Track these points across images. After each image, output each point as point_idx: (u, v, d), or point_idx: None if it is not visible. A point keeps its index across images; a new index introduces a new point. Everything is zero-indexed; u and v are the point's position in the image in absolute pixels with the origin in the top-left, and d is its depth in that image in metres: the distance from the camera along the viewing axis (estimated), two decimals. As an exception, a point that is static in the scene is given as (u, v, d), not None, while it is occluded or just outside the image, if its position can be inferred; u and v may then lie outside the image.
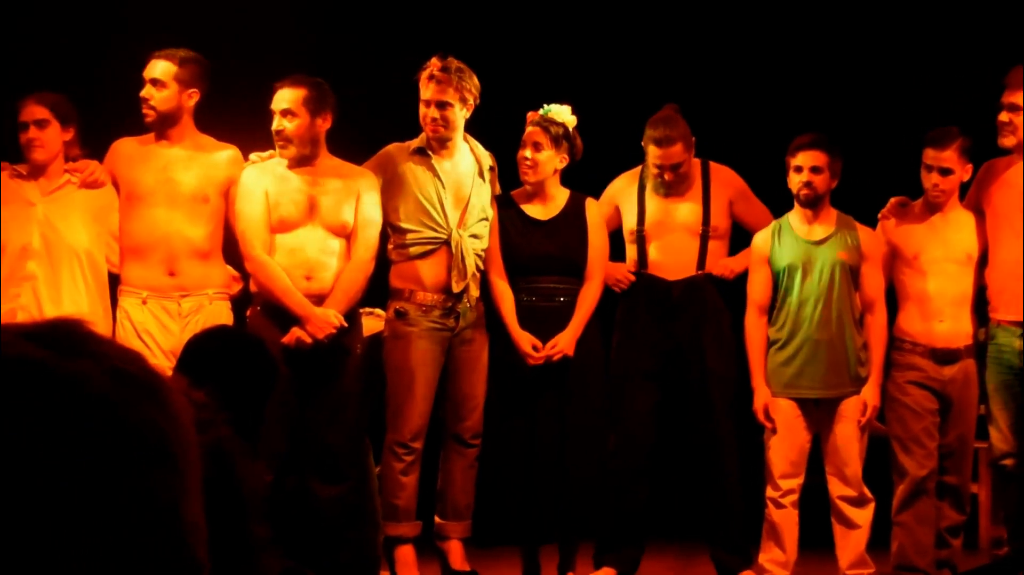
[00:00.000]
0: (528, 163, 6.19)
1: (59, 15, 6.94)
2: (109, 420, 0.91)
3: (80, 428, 0.90)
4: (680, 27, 7.62)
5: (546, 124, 6.16)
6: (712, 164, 6.45)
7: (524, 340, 6.14)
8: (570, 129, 6.19)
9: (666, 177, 6.28)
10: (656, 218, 6.37)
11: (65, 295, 5.82)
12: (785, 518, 6.21)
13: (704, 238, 6.36)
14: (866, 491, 6.21)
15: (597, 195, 6.46)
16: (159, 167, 5.98)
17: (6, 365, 0.91)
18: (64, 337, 0.95)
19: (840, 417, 6.19)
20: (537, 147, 6.18)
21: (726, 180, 6.45)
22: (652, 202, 6.38)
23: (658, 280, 6.35)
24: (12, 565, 0.87)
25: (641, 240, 6.37)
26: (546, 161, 6.19)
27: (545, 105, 6.21)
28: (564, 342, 6.15)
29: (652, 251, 6.38)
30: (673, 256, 6.37)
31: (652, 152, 6.28)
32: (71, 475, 0.89)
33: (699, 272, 6.35)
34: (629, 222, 6.42)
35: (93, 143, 6.08)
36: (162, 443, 0.94)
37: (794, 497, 6.22)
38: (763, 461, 6.28)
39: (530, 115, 6.24)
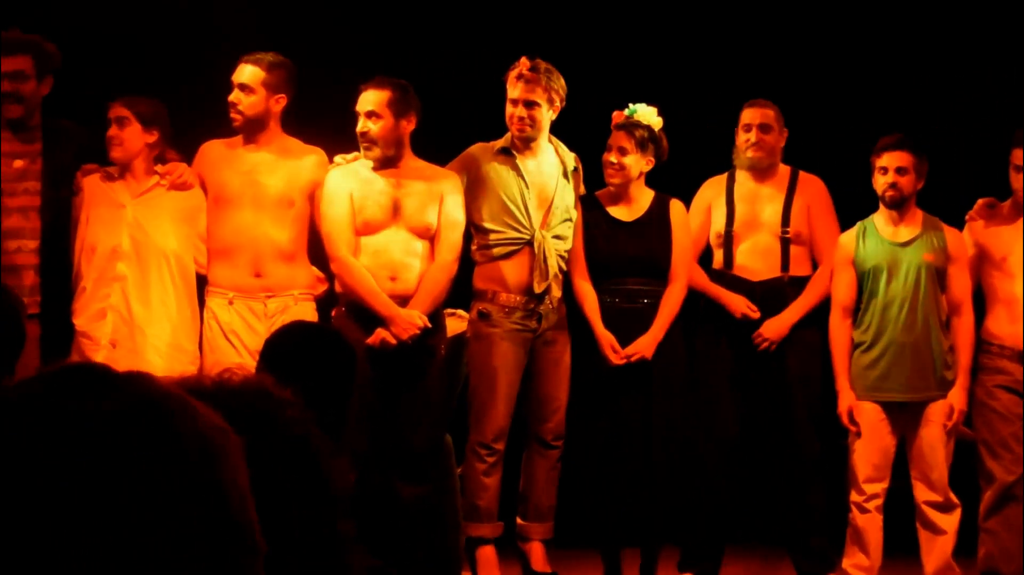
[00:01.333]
0: (614, 167, 6.19)
1: (154, 20, 6.99)
2: (130, 450, 0.98)
3: (102, 461, 0.97)
4: (766, 27, 7.59)
5: (631, 127, 6.16)
6: (801, 172, 6.47)
7: (605, 340, 6.14)
8: (656, 131, 6.18)
9: (753, 138, 6.30)
10: (743, 219, 6.39)
11: (153, 295, 5.88)
12: (869, 523, 6.18)
13: (786, 242, 6.35)
14: (952, 496, 6.16)
15: (683, 196, 6.45)
16: (245, 170, 6.03)
17: (31, 410, 0.98)
18: (80, 379, 1.01)
19: (926, 421, 6.17)
20: (623, 151, 6.18)
21: (812, 188, 6.46)
22: (740, 203, 6.40)
23: (742, 281, 6.34)
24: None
25: (728, 241, 6.38)
26: (632, 164, 6.19)
27: (631, 105, 6.21)
28: (644, 345, 6.15)
29: (739, 252, 6.39)
30: (758, 258, 6.38)
31: (744, 115, 6.37)
32: (116, 503, 0.96)
33: (783, 274, 6.34)
34: (717, 223, 6.43)
35: (186, 145, 6.13)
36: (183, 458, 1.00)
37: (878, 502, 6.19)
38: (847, 465, 6.25)
39: (616, 115, 6.23)
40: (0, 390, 1.01)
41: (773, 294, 6.33)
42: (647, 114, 6.19)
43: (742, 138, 6.38)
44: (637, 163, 6.20)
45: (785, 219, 6.37)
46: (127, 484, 0.96)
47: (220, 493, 1.00)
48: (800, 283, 6.34)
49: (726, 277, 6.38)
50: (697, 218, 6.45)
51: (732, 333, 6.31)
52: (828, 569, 6.28)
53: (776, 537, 6.56)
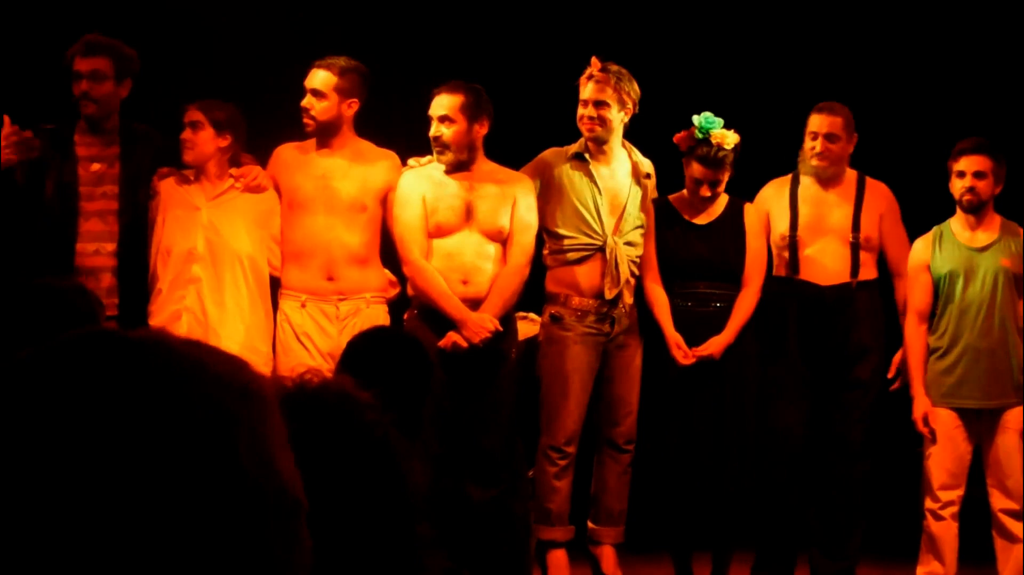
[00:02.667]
0: (706, 196, 6.24)
1: (233, 24, 7.06)
2: (155, 409, 0.97)
3: (130, 422, 0.96)
4: (836, 32, 7.55)
5: (721, 160, 6.15)
6: (868, 178, 6.44)
7: (674, 342, 6.16)
8: (733, 148, 6.17)
9: (820, 147, 6.27)
10: (808, 222, 6.36)
11: (228, 297, 5.91)
12: (944, 530, 6.16)
13: (855, 247, 6.33)
14: (1031, 504, 6.12)
15: (748, 197, 6.46)
16: (318, 175, 6.06)
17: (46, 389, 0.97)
18: (96, 347, 1.01)
19: (1003, 428, 6.13)
20: (714, 185, 6.22)
21: (880, 194, 6.44)
22: (805, 206, 6.37)
23: (810, 286, 6.31)
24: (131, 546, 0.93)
25: (794, 245, 6.35)
26: (722, 189, 6.27)
27: (698, 120, 6.14)
28: (715, 345, 6.16)
29: (804, 258, 6.35)
30: (826, 263, 6.35)
31: (812, 121, 6.33)
32: (156, 470, 0.95)
33: (852, 280, 6.31)
34: (780, 226, 6.40)
35: (262, 148, 6.18)
36: (211, 411, 0.98)
37: (954, 509, 6.16)
38: (922, 472, 6.23)
39: (678, 139, 6.19)
40: (16, 357, 0.99)
41: (842, 300, 6.30)
42: (723, 136, 6.14)
43: (808, 144, 6.35)
44: (723, 184, 6.26)
45: (855, 224, 6.35)
46: (137, 452, 0.95)
47: (233, 459, 0.98)
48: (867, 287, 6.31)
49: (792, 283, 6.34)
50: (763, 212, 6.45)
51: (799, 337, 6.29)
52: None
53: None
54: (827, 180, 6.37)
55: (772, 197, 6.47)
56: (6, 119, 5.88)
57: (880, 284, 6.41)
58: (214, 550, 0.96)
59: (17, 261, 5.86)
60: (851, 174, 6.43)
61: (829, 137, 6.31)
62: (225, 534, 0.97)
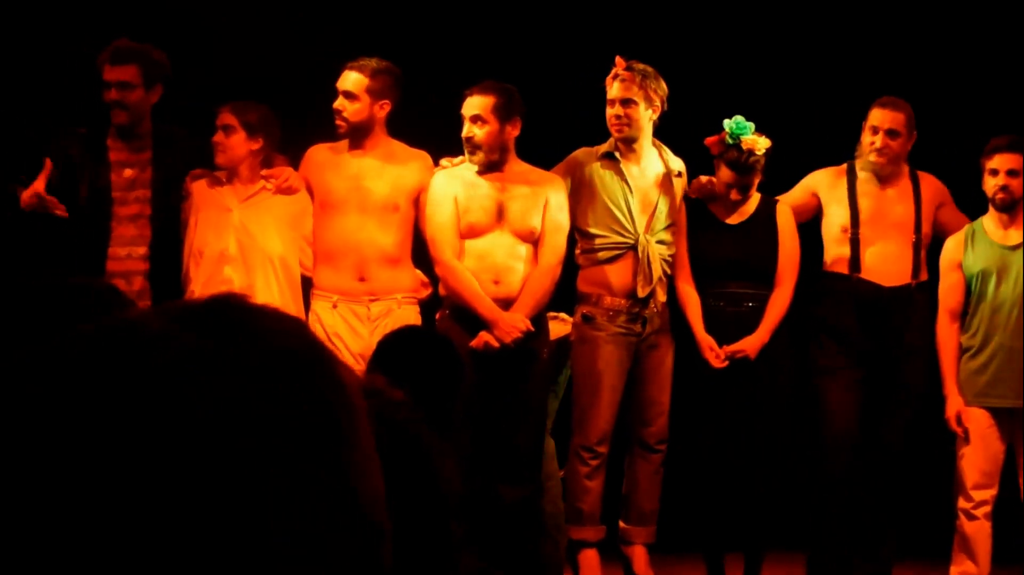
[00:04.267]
0: (737, 199, 6.24)
1: (265, 27, 7.09)
2: (271, 404, 0.89)
3: (241, 410, 0.88)
4: (866, 29, 7.54)
5: (751, 165, 6.14)
6: (919, 172, 6.43)
7: (705, 344, 6.17)
8: (764, 153, 6.17)
9: (880, 143, 6.25)
10: (870, 218, 6.35)
11: (259, 299, 5.84)
12: (978, 530, 6.16)
13: (917, 245, 6.34)
14: (1063, 504, 6.11)
15: (775, 190, 6.46)
16: (351, 175, 6.09)
17: (162, 354, 0.89)
18: (220, 317, 0.93)
19: (1036, 428, 6.09)
20: (746, 188, 6.21)
21: (934, 187, 6.45)
22: (865, 199, 6.37)
23: (872, 285, 6.31)
24: (193, 534, 0.86)
25: (855, 243, 6.34)
26: (753, 191, 6.27)
27: (730, 124, 6.13)
28: (749, 345, 6.16)
29: (867, 255, 6.34)
30: (889, 263, 6.34)
31: (873, 115, 6.31)
32: (236, 455, 0.87)
33: (912, 280, 6.31)
34: (839, 219, 6.38)
35: (294, 148, 6.22)
36: (325, 417, 0.92)
37: (987, 508, 6.16)
38: (955, 471, 6.22)
39: (710, 143, 6.18)
40: (132, 321, 0.93)
41: (903, 301, 6.30)
42: (755, 141, 6.13)
43: (868, 139, 6.33)
44: (755, 186, 6.27)
45: (918, 223, 6.35)
46: (260, 438, 0.88)
47: (353, 460, 0.93)
48: (926, 288, 6.31)
49: (852, 281, 6.32)
50: (799, 199, 6.44)
51: (857, 336, 6.28)
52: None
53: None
54: (886, 176, 6.36)
55: (827, 187, 6.45)
56: (48, 162, 5.95)
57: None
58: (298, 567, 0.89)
59: (50, 265, 5.89)
60: (905, 168, 6.43)
61: (890, 133, 6.30)
62: (320, 553, 0.91)
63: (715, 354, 6.13)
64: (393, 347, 4.08)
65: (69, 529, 0.86)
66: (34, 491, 0.86)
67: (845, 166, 6.42)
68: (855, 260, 6.33)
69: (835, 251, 6.38)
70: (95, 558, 0.86)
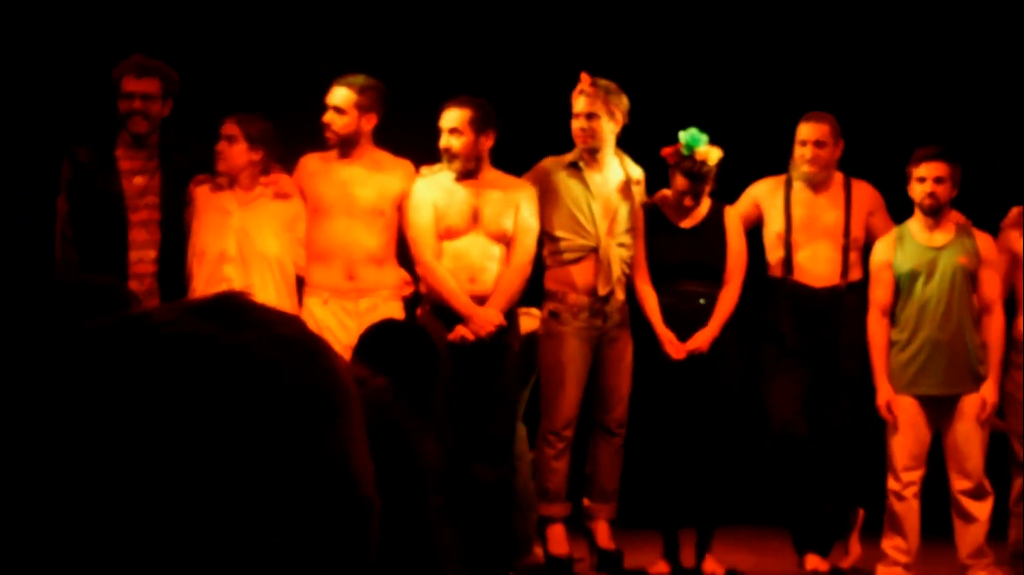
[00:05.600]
0: (690, 204, 6.27)
1: (265, 44, 7.09)
2: (275, 384, 0.87)
3: (249, 394, 0.86)
4: (809, 48, 7.56)
5: (704, 174, 6.19)
6: (853, 179, 6.46)
7: (666, 338, 6.19)
8: (715, 164, 6.22)
9: (810, 153, 6.30)
10: (801, 224, 6.36)
11: (257, 296, 5.89)
12: (907, 509, 6.17)
13: (847, 248, 6.36)
14: (986, 484, 6.16)
15: (730, 199, 6.49)
16: (340, 183, 6.09)
17: (179, 341, 0.87)
18: (228, 310, 0.91)
19: (960, 414, 6.14)
20: (698, 195, 6.24)
21: (867, 193, 6.46)
22: (798, 207, 6.38)
23: (803, 287, 6.35)
24: (200, 520, 0.83)
25: (788, 247, 6.37)
26: (704, 198, 6.30)
27: (684, 136, 6.16)
28: (701, 339, 6.19)
29: (799, 258, 6.37)
30: (819, 265, 6.37)
31: (801, 130, 6.34)
32: (244, 437, 0.85)
33: (842, 281, 6.36)
34: (775, 226, 6.41)
35: (288, 157, 6.19)
36: (325, 399, 0.89)
37: (915, 489, 6.18)
38: (887, 455, 6.23)
39: (666, 153, 6.21)
40: (144, 318, 0.90)
41: (834, 300, 6.34)
42: (708, 152, 6.19)
43: (798, 151, 6.36)
44: (706, 193, 6.30)
45: (847, 227, 6.37)
46: (267, 419, 0.86)
47: (348, 437, 0.91)
48: (855, 289, 6.33)
49: (787, 284, 6.37)
50: (745, 208, 6.47)
51: (793, 335, 6.33)
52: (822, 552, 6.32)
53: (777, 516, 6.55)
54: (817, 184, 6.38)
55: (766, 196, 6.48)
56: (65, 169, 5.97)
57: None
58: (296, 543, 0.87)
59: (76, 267, 5.90)
60: (838, 177, 6.45)
61: (818, 144, 6.33)
62: (312, 528, 0.87)
63: (675, 347, 6.16)
64: (375, 339, 4.10)
65: (70, 526, 0.83)
66: (34, 488, 0.84)
67: (784, 176, 6.45)
68: (788, 263, 6.38)
69: (773, 255, 6.42)
70: (96, 553, 0.83)
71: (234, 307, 0.92)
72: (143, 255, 6.01)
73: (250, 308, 0.92)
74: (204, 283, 5.93)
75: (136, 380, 0.85)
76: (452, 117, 6.04)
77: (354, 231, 6.07)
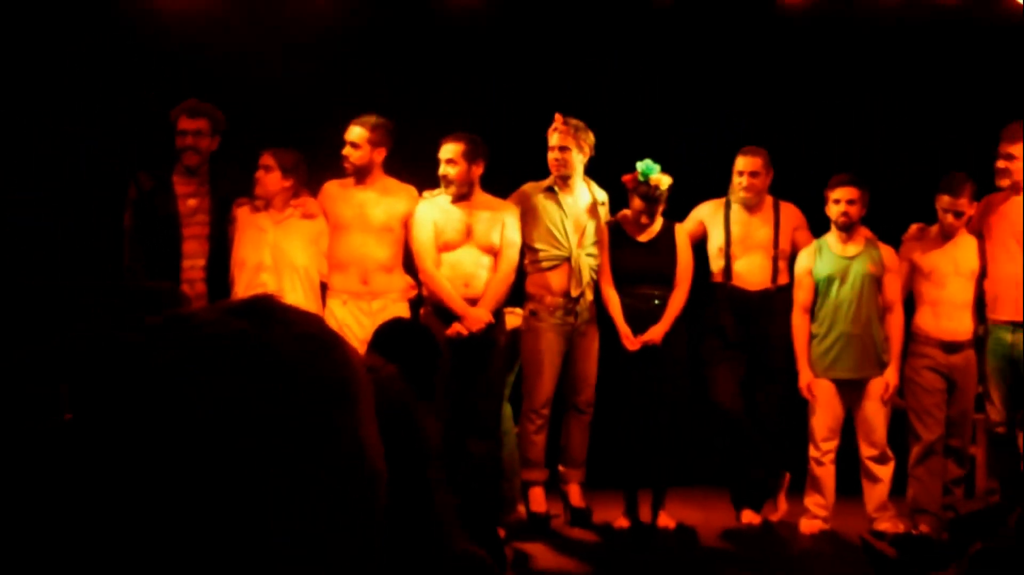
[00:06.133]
0: (646, 222, 6.27)
1: (297, 90, 7.09)
2: (298, 372, 0.86)
3: (276, 379, 0.85)
4: (746, 95, 7.57)
5: (656, 197, 6.20)
6: (781, 201, 6.47)
7: (624, 333, 6.20)
8: (666, 188, 6.24)
9: (746, 182, 6.31)
10: (739, 239, 6.37)
11: (288, 299, 5.65)
12: (824, 472, 6.23)
13: (776, 258, 6.37)
14: (889, 452, 6.21)
15: (680, 217, 6.49)
16: (356, 204, 6.09)
17: (218, 335, 0.87)
18: (260, 310, 0.90)
19: (868, 394, 6.18)
20: (652, 214, 6.25)
21: (792, 213, 6.47)
22: (736, 225, 6.39)
23: (740, 291, 6.37)
24: (234, 489, 0.82)
25: (728, 257, 6.37)
26: (658, 217, 6.30)
27: (641, 166, 6.17)
28: (655, 333, 6.21)
29: (736, 267, 6.38)
30: (754, 272, 6.38)
31: (738, 162, 6.34)
32: (272, 416, 0.84)
33: (772, 285, 6.36)
34: (717, 241, 6.42)
35: (313, 182, 6.17)
36: (340, 385, 0.88)
37: (832, 455, 6.23)
38: (807, 427, 6.28)
39: (627, 179, 6.22)
40: (192, 316, 0.89)
41: (766, 301, 6.35)
42: (661, 179, 6.19)
43: (736, 180, 6.37)
44: (660, 212, 6.30)
45: (776, 241, 6.38)
46: (291, 400, 0.85)
47: (360, 417, 0.90)
48: (783, 290, 6.34)
49: (727, 288, 6.38)
50: (691, 226, 6.48)
51: (732, 329, 6.33)
52: (757, 501, 6.33)
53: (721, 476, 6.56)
54: (752, 206, 6.39)
55: (709, 215, 6.46)
56: (131, 192, 5.96)
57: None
58: (316, 507, 0.85)
59: (143, 273, 5.92)
60: (769, 199, 6.43)
61: (753, 174, 6.34)
62: (331, 495, 0.86)
63: (630, 340, 6.17)
64: (386, 334, 4.10)
65: (76, 523, 0.81)
66: (36, 487, 0.83)
67: (724, 199, 6.46)
68: (727, 271, 6.39)
69: (715, 264, 6.44)
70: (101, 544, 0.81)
71: (265, 307, 0.91)
72: (194, 263, 5.99)
73: (278, 308, 0.92)
74: (244, 288, 5.91)
75: (183, 365, 0.84)
76: (449, 150, 6.05)
77: (368, 244, 6.06)
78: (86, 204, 6.66)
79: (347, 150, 6.09)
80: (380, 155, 6.13)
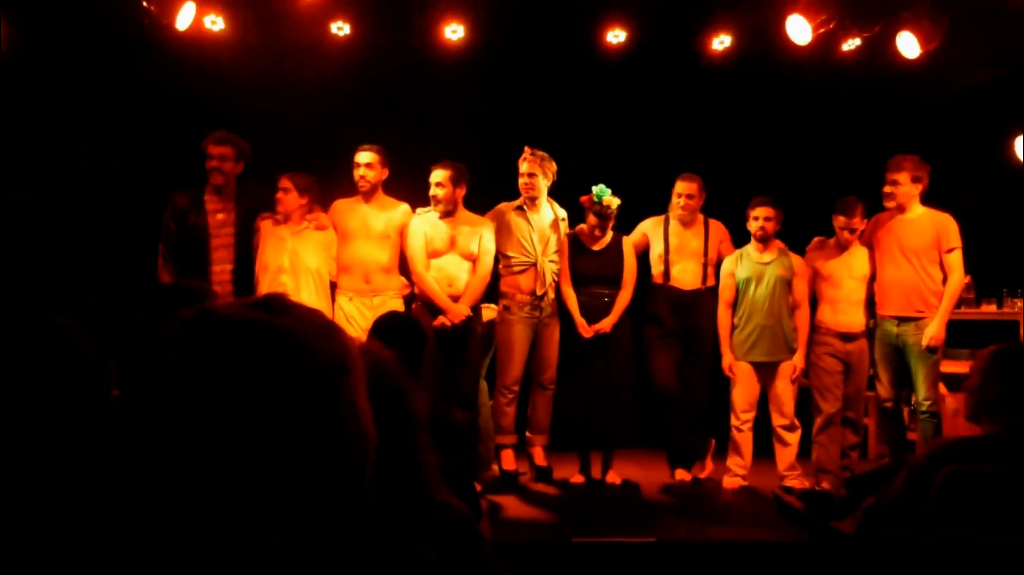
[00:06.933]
0: (599, 235, 6.24)
1: (313, 124, 7.05)
2: (307, 352, 0.87)
3: (290, 359, 0.86)
4: (681, 131, 7.60)
5: (608, 215, 6.16)
6: (710, 218, 6.45)
7: (580, 324, 6.17)
8: (615, 207, 6.19)
9: (683, 203, 6.27)
10: (675, 248, 6.35)
11: (304, 297, 5.78)
12: (743, 438, 6.19)
13: (705, 265, 6.35)
14: (796, 421, 6.15)
15: (627, 230, 6.46)
16: (360, 218, 6.03)
17: (239, 323, 0.87)
18: (274, 305, 0.91)
19: (779, 374, 6.15)
20: (604, 228, 6.22)
21: (719, 229, 6.44)
22: (673, 237, 6.37)
23: (676, 290, 6.34)
24: (253, 443, 0.81)
25: (667, 263, 6.37)
26: (609, 230, 6.26)
27: (594, 190, 6.15)
28: (605, 324, 6.16)
29: (673, 271, 6.36)
30: (687, 275, 6.35)
31: (677, 186, 6.29)
32: (288, 388, 0.84)
33: (702, 286, 6.34)
34: (657, 249, 6.38)
35: (325, 199, 6.11)
36: (339, 363, 0.89)
37: (749, 424, 6.19)
38: (729, 401, 6.25)
39: (584, 199, 6.19)
40: (219, 308, 0.90)
41: (697, 298, 6.32)
42: (612, 201, 6.17)
43: (675, 201, 6.33)
44: (610, 228, 6.26)
45: (705, 251, 6.36)
46: (301, 373, 0.85)
47: (357, 388, 0.90)
48: (711, 290, 6.30)
49: (665, 288, 6.34)
50: (636, 237, 6.45)
51: (669, 320, 6.29)
52: (691, 460, 6.30)
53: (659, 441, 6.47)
54: (687, 223, 6.36)
55: (651, 229, 6.43)
56: (169, 207, 5.87)
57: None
58: (317, 469, 0.84)
59: (176, 274, 5.86)
60: (700, 217, 6.39)
61: (689, 196, 6.29)
62: (329, 456, 0.86)
63: (585, 330, 6.14)
64: (384, 324, 4.05)
65: (80, 522, 0.81)
66: (38, 485, 0.80)
67: (664, 216, 6.45)
68: (666, 274, 6.36)
69: (656, 269, 6.39)
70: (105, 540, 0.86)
71: (278, 302, 0.92)
72: (223, 267, 5.91)
73: (289, 303, 0.93)
74: (267, 287, 5.84)
75: (213, 346, 0.85)
76: (437, 175, 6.00)
77: (370, 250, 6.00)
78: (86, 204, 6.59)
79: (363, 171, 6.01)
80: (381, 177, 6.08)
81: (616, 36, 6.87)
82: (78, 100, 6.81)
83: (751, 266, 6.19)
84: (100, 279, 5.98)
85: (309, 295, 5.86)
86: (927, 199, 6.04)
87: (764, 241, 6.19)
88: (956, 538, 2.54)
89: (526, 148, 6.23)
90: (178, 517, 0.80)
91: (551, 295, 6.25)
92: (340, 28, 6.72)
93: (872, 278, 6.15)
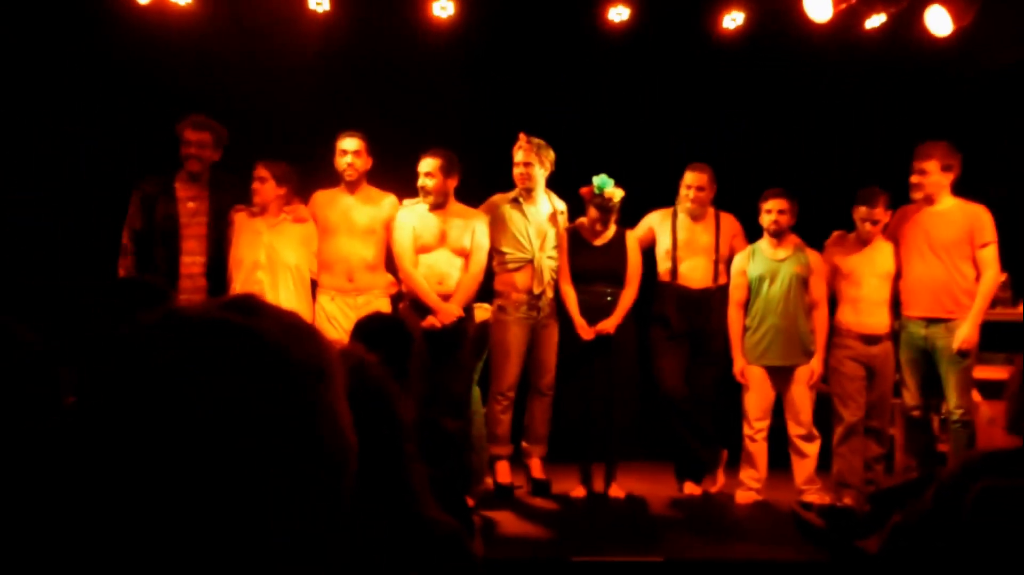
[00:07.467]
0: (600, 229, 6.24)
1: (291, 110, 7.05)
2: (280, 356, 0.88)
3: (261, 363, 0.86)
4: (690, 119, 7.59)
5: (610, 208, 6.17)
6: (721, 211, 6.46)
7: (579, 325, 6.17)
8: (619, 200, 6.21)
9: (692, 195, 6.29)
10: (684, 244, 6.35)
11: (281, 295, 5.81)
12: (758, 448, 6.21)
13: (716, 262, 6.35)
14: (814, 431, 6.17)
15: (631, 224, 6.46)
16: (342, 210, 6.03)
17: (207, 325, 0.88)
18: (246, 306, 0.92)
19: (795, 379, 6.16)
20: (606, 222, 6.22)
21: (731, 223, 6.46)
22: (682, 231, 6.37)
23: (685, 289, 6.34)
24: (225, 453, 0.83)
25: (674, 260, 6.36)
26: (611, 224, 6.26)
27: (595, 181, 6.15)
28: (607, 325, 6.17)
29: (682, 268, 6.35)
30: (697, 273, 6.36)
31: (686, 177, 6.30)
32: (259, 394, 0.85)
33: (713, 284, 6.34)
34: (665, 244, 6.38)
35: (305, 191, 6.11)
36: (317, 367, 0.90)
37: (764, 433, 6.21)
38: (742, 409, 6.25)
39: (584, 191, 6.20)
40: (187, 309, 0.91)
41: (707, 298, 6.33)
42: (614, 192, 6.18)
43: (683, 192, 6.35)
44: (613, 221, 6.25)
45: (716, 246, 6.37)
46: (274, 379, 0.86)
47: (335, 392, 0.91)
48: (723, 289, 6.31)
49: (673, 286, 6.36)
50: (641, 232, 6.46)
51: (678, 321, 6.30)
52: (703, 472, 6.31)
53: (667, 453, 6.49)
54: (696, 216, 6.37)
55: (658, 223, 6.44)
56: (134, 197, 5.85)
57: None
58: (296, 474, 0.86)
59: (140, 268, 5.84)
60: (711, 210, 6.40)
61: (699, 188, 6.31)
62: (311, 460, 0.87)
63: (585, 331, 6.14)
64: (367, 325, 4.03)
65: (74, 521, 0.80)
66: (39, 485, 0.82)
67: (671, 209, 6.44)
68: (674, 271, 6.37)
69: (663, 266, 6.41)
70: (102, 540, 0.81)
71: (250, 303, 0.94)
72: (194, 259, 5.88)
73: (261, 304, 0.94)
74: (241, 283, 5.84)
75: (184, 357, 0.85)
76: (427, 164, 6.00)
77: (353, 246, 6.01)
78: (86, 205, 6.57)
79: (350, 159, 6.01)
80: (366, 166, 6.09)
81: (619, 13, 6.90)
82: (30, 78, 6.78)
83: (764, 263, 6.20)
84: (53, 275, 5.95)
85: (287, 293, 5.87)
86: (958, 189, 6.05)
87: (778, 236, 6.19)
88: (991, 559, 2.53)
89: (522, 135, 6.24)
90: (135, 527, 0.80)
91: (549, 294, 6.26)
92: (319, 3, 6.73)
93: (897, 276, 6.16)
